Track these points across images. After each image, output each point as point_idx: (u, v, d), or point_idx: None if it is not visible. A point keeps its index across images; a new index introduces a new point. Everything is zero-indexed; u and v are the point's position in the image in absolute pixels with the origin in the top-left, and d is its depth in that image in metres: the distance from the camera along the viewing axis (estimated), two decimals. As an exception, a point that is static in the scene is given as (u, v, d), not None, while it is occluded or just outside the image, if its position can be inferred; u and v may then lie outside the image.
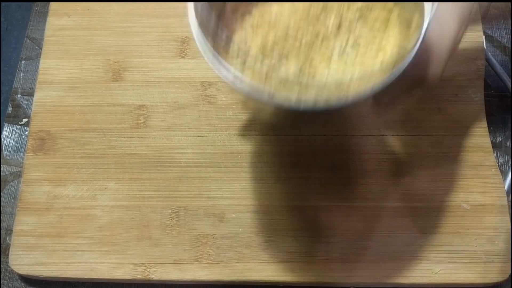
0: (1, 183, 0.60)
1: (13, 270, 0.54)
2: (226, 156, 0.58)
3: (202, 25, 0.38)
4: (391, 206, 0.56)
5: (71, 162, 0.59)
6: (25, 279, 0.56)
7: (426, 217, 0.56)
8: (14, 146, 0.62)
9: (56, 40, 0.65)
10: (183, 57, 0.64)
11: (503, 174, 0.59)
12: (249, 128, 0.59)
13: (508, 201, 0.56)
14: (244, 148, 0.58)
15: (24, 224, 0.56)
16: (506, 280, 0.53)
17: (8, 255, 0.55)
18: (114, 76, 0.63)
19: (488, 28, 0.68)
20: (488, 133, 0.59)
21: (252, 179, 0.57)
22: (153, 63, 0.63)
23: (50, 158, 0.59)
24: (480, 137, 0.59)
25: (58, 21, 0.66)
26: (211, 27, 0.38)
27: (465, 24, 0.39)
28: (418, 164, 0.58)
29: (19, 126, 0.64)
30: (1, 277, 0.56)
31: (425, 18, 0.38)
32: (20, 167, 0.61)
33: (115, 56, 0.64)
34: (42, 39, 0.66)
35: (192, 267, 0.53)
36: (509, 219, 0.55)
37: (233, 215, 0.56)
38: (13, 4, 0.72)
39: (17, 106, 0.64)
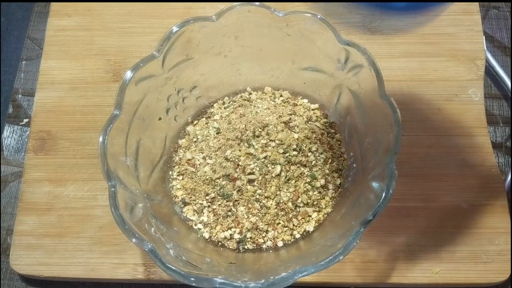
0: (2, 183, 0.60)
1: (13, 270, 0.55)
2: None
3: None
4: (392, 206, 0.56)
5: (72, 162, 0.59)
6: (26, 279, 0.56)
7: (426, 217, 0.56)
8: (14, 146, 0.63)
9: (57, 40, 0.65)
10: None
11: (503, 174, 0.59)
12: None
13: (508, 201, 0.56)
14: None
15: (24, 224, 0.56)
16: (506, 280, 0.53)
17: (8, 255, 0.55)
18: (115, 77, 0.63)
19: (488, 28, 0.68)
20: (488, 133, 0.59)
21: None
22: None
23: (50, 158, 0.59)
24: (480, 137, 0.59)
25: (59, 22, 0.66)
26: None
27: None
28: (418, 164, 0.58)
29: (19, 127, 0.64)
30: (2, 277, 0.56)
31: None
32: (20, 167, 0.61)
33: (115, 57, 0.64)
34: (42, 39, 0.66)
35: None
36: (509, 219, 0.55)
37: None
38: (14, 4, 0.72)
39: (17, 107, 0.65)
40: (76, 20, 0.66)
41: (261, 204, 0.52)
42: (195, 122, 0.58)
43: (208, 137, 0.55)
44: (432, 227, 0.55)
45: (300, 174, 0.52)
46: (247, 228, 0.52)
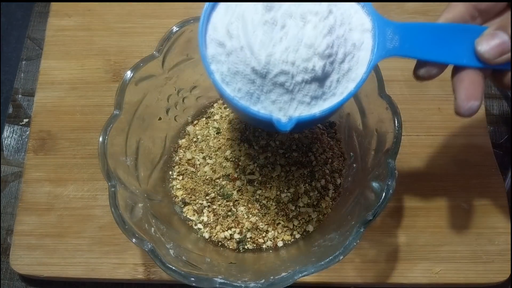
0: (2, 183, 0.60)
1: (13, 270, 0.55)
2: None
3: None
4: (392, 206, 0.56)
5: (72, 162, 0.59)
6: (26, 279, 0.56)
7: (426, 217, 0.56)
8: (14, 146, 0.63)
9: (57, 40, 0.65)
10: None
11: (503, 174, 0.59)
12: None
13: (508, 201, 0.56)
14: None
15: (24, 224, 0.56)
16: (506, 280, 0.53)
17: (8, 255, 0.55)
18: (115, 77, 0.63)
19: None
20: (488, 133, 0.59)
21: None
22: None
23: (50, 158, 0.59)
24: (480, 137, 0.59)
25: (59, 22, 0.66)
26: None
27: None
28: (418, 164, 0.58)
29: (19, 127, 0.64)
30: (2, 277, 0.56)
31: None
32: (20, 167, 0.61)
33: (115, 57, 0.64)
34: (42, 39, 0.66)
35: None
36: (509, 219, 0.55)
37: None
38: (14, 4, 0.72)
39: (17, 107, 0.65)
40: (76, 20, 0.66)
41: (261, 204, 0.52)
42: (195, 122, 0.58)
43: (208, 137, 0.55)
44: (432, 227, 0.55)
45: (300, 174, 0.52)
46: (247, 228, 0.52)
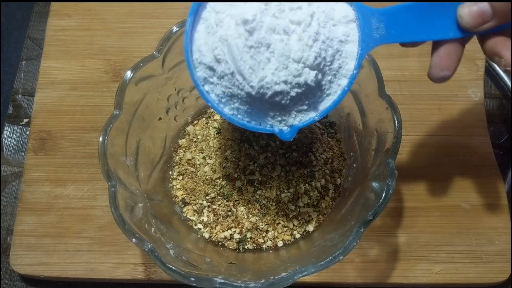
0: (2, 183, 0.60)
1: (13, 270, 0.55)
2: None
3: None
4: (392, 206, 0.56)
5: (72, 162, 0.59)
6: (26, 279, 0.56)
7: (426, 217, 0.56)
8: (14, 146, 0.63)
9: (57, 40, 0.65)
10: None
11: (503, 174, 0.59)
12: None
13: (508, 201, 0.56)
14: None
15: (24, 224, 0.56)
16: (506, 280, 0.53)
17: (8, 255, 0.55)
18: (115, 77, 0.63)
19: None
20: (488, 133, 0.59)
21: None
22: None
23: (50, 158, 0.59)
24: (480, 137, 0.59)
25: (59, 22, 0.66)
26: None
27: None
28: (418, 164, 0.58)
29: (19, 127, 0.64)
30: (2, 277, 0.56)
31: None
32: (20, 167, 0.61)
33: (115, 57, 0.64)
34: (42, 39, 0.66)
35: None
36: (509, 219, 0.55)
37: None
38: (14, 4, 0.72)
39: (17, 107, 0.65)
40: (76, 20, 0.66)
41: (261, 204, 0.52)
42: (195, 122, 0.58)
43: (208, 137, 0.55)
44: (432, 227, 0.55)
45: (300, 174, 0.52)
46: (247, 228, 0.52)
